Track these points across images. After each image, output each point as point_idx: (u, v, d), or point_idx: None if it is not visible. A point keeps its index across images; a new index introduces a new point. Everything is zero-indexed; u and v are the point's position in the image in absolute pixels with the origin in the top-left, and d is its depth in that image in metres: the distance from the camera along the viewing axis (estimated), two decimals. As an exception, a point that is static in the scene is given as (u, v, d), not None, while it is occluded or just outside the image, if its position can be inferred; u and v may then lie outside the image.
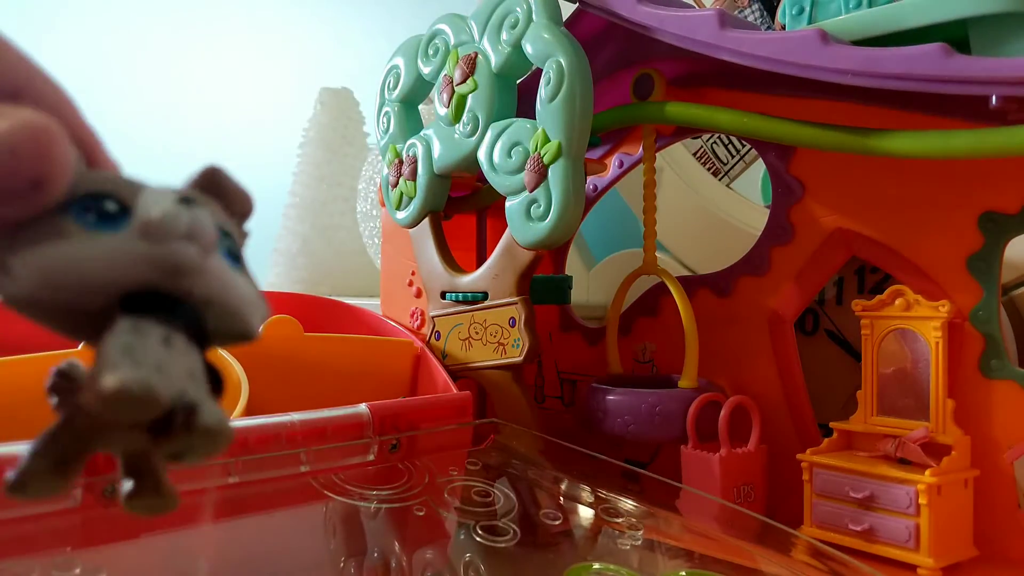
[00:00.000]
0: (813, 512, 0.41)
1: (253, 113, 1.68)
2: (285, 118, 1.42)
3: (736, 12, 0.68)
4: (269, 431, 0.35)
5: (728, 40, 0.40)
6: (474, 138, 0.49)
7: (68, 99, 0.17)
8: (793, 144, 0.44)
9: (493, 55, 0.48)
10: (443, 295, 0.53)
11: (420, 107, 0.58)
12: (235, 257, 0.18)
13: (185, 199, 0.17)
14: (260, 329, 0.18)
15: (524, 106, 0.47)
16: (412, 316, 0.59)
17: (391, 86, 0.56)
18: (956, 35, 0.36)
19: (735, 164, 0.69)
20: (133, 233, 0.16)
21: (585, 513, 0.38)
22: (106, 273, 0.15)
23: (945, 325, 0.39)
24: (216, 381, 0.17)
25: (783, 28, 0.44)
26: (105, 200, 0.16)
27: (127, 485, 0.17)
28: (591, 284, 0.71)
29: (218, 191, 0.18)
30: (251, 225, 0.19)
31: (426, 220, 0.54)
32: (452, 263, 0.53)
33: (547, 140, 0.43)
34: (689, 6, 0.45)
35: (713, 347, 0.48)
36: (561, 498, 0.39)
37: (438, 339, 0.53)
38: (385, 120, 0.57)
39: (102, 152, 0.18)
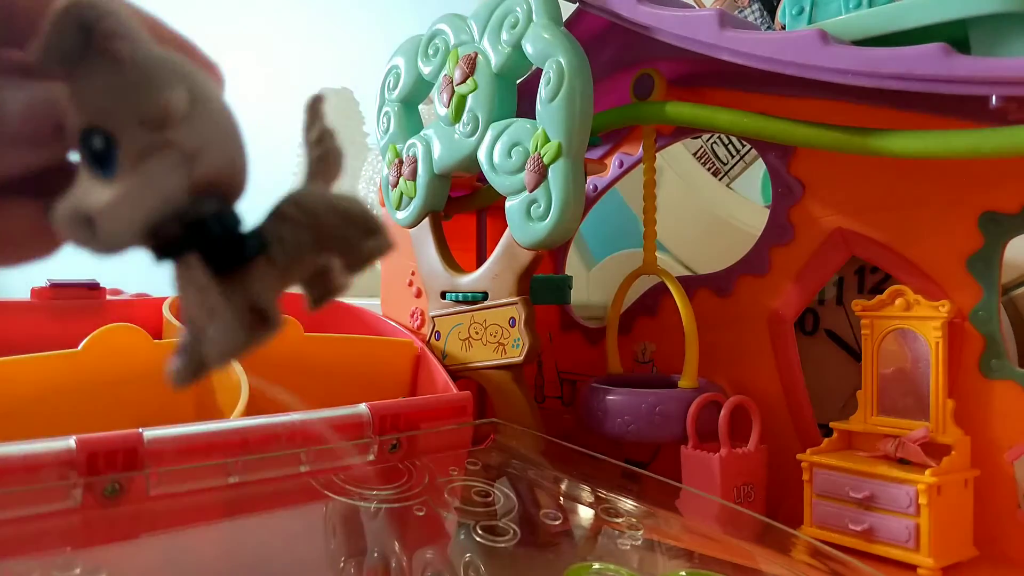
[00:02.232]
0: (813, 512, 0.41)
1: (253, 113, 1.68)
2: (285, 118, 1.41)
3: (736, 12, 0.68)
4: (269, 431, 0.35)
5: (728, 40, 0.40)
6: (474, 138, 0.49)
7: None
8: (793, 144, 0.44)
9: (493, 55, 0.48)
10: (443, 295, 0.53)
11: (420, 107, 0.58)
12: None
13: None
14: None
15: (524, 106, 0.47)
16: (412, 316, 0.59)
17: (391, 86, 0.56)
18: (956, 35, 0.36)
19: (735, 164, 0.69)
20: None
21: (585, 513, 0.38)
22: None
23: (945, 325, 0.39)
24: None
25: (783, 28, 0.44)
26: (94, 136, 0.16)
27: None
28: (591, 284, 0.71)
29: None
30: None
31: (426, 220, 0.54)
32: (452, 263, 0.53)
33: (547, 140, 0.43)
34: (689, 6, 0.45)
35: (713, 347, 0.48)
36: (561, 498, 0.39)
37: (438, 339, 0.53)
38: (385, 120, 0.57)
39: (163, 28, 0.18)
